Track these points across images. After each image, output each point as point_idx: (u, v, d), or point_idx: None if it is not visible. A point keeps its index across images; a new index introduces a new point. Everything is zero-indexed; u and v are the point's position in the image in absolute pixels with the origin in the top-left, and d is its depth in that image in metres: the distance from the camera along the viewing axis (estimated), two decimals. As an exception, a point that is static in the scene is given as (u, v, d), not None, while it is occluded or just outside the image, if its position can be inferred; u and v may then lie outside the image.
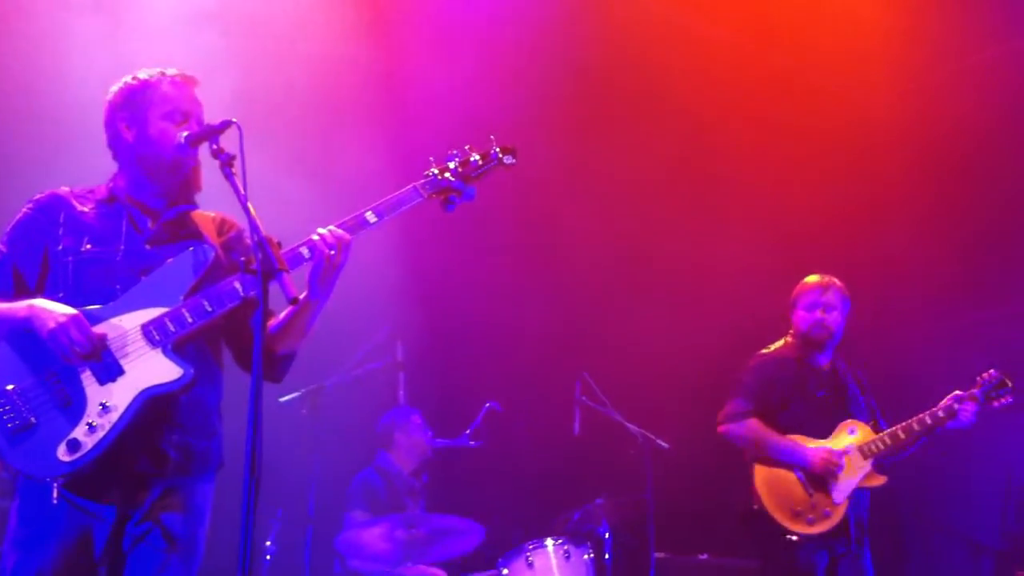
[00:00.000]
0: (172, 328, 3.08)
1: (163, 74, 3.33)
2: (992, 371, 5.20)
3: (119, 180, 3.36)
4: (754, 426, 5.32)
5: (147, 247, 3.25)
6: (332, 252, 3.13)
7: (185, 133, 3.22)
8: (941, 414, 5.16)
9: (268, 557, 5.75)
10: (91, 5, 5.75)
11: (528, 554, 5.56)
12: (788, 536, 5.10)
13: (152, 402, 3.05)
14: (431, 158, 3.41)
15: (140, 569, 3.08)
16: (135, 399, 3.03)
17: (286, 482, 5.83)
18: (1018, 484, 7.03)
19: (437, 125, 6.05)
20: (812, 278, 5.44)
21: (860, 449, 5.20)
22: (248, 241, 3.39)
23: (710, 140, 6.79)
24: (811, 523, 5.12)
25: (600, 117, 6.93)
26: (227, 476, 3.30)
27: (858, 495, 5.21)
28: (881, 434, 5.23)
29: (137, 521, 3.10)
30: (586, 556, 5.66)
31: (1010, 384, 5.14)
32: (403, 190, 3.33)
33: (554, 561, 5.56)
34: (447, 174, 3.38)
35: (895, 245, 7.18)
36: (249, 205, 2.87)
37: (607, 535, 6.10)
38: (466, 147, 3.46)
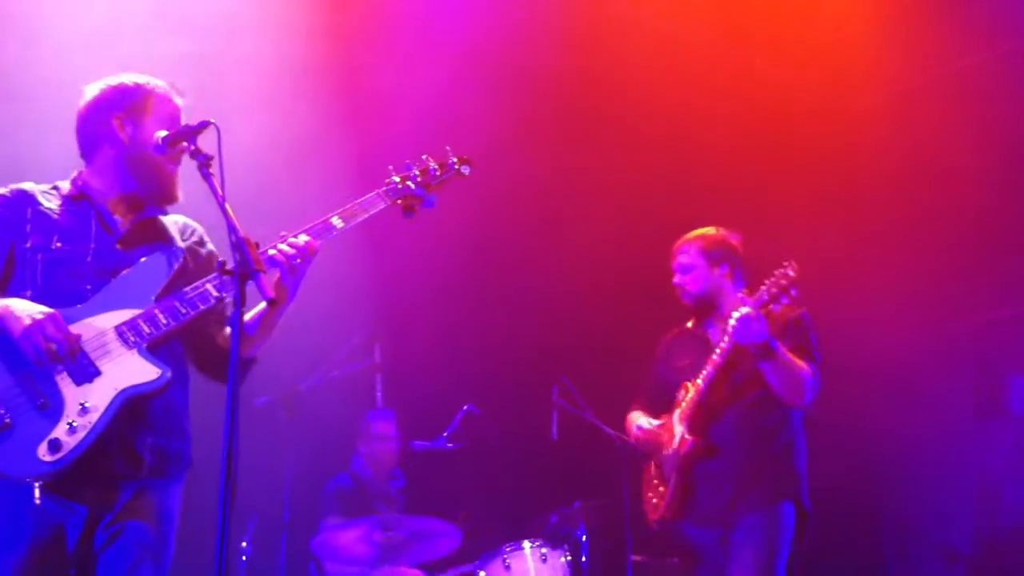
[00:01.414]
0: (146, 330, 3.09)
1: (157, 83, 3.36)
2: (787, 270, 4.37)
3: (89, 178, 3.34)
4: (628, 419, 4.96)
5: (117, 248, 3.25)
6: (298, 258, 3.17)
7: (163, 133, 3.21)
8: (723, 344, 4.47)
9: (244, 558, 5.73)
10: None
11: (505, 556, 5.57)
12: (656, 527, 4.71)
13: (129, 403, 3.04)
14: (390, 167, 3.52)
15: (112, 569, 3.08)
16: (115, 399, 3.02)
17: (262, 484, 5.82)
18: (993, 491, 7.09)
19: (408, 130, 6.07)
20: None
21: (679, 415, 4.65)
22: (209, 246, 3.45)
23: (689, 144, 6.82)
24: (654, 509, 4.70)
25: (577, 121, 6.95)
26: (202, 477, 3.30)
27: (705, 468, 4.56)
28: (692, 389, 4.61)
29: (109, 522, 3.10)
30: (563, 559, 5.67)
31: (792, 273, 4.33)
32: (366, 197, 3.44)
33: (531, 563, 5.57)
34: (408, 182, 3.51)
35: (875, 248, 7.21)
36: (227, 206, 2.88)
37: (584, 538, 6.10)
38: (423, 157, 3.60)
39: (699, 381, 4.55)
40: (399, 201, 3.49)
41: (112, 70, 3.42)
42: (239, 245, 2.81)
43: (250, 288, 2.81)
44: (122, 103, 3.30)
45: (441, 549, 5.82)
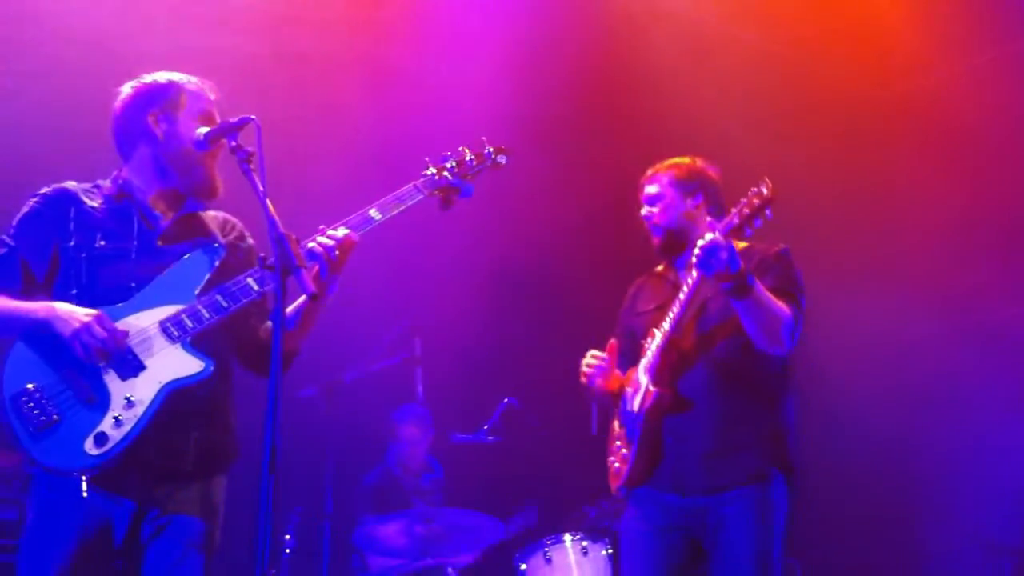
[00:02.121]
0: (189, 324, 3.13)
1: (189, 79, 3.39)
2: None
3: (129, 176, 3.37)
4: None
5: (159, 244, 3.29)
6: (336, 250, 3.19)
7: (204, 129, 3.24)
8: (689, 279, 3.89)
9: (287, 551, 5.79)
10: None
11: (546, 549, 5.58)
12: (614, 494, 4.15)
13: (174, 396, 3.09)
14: (426, 158, 3.53)
15: (158, 561, 3.12)
16: (159, 392, 3.07)
17: (304, 477, 5.87)
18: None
19: (443, 124, 6.08)
20: None
21: (645, 366, 4.01)
22: (250, 241, 3.48)
23: (718, 140, 6.75)
24: (615, 475, 4.07)
25: (612, 117, 6.91)
26: (245, 470, 3.33)
27: (677, 426, 3.89)
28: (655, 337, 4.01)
29: (155, 515, 3.14)
30: (604, 552, 5.66)
31: (767, 192, 3.69)
32: (403, 188, 3.44)
33: (572, 557, 5.57)
34: (444, 173, 3.52)
35: (913, 239, 7.14)
36: (268, 202, 2.90)
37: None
38: (460, 148, 3.60)
39: (666, 326, 3.93)
40: (436, 192, 3.50)
41: (145, 67, 3.45)
42: (280, 240, 2.84)
43: (292, 283, 2.84)
44: (156, 100, 3.33)
45: (481, 542, 5.84)
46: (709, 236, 3.68)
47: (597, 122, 6.97)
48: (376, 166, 6.16)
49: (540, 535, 5.73)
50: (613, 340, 4.13)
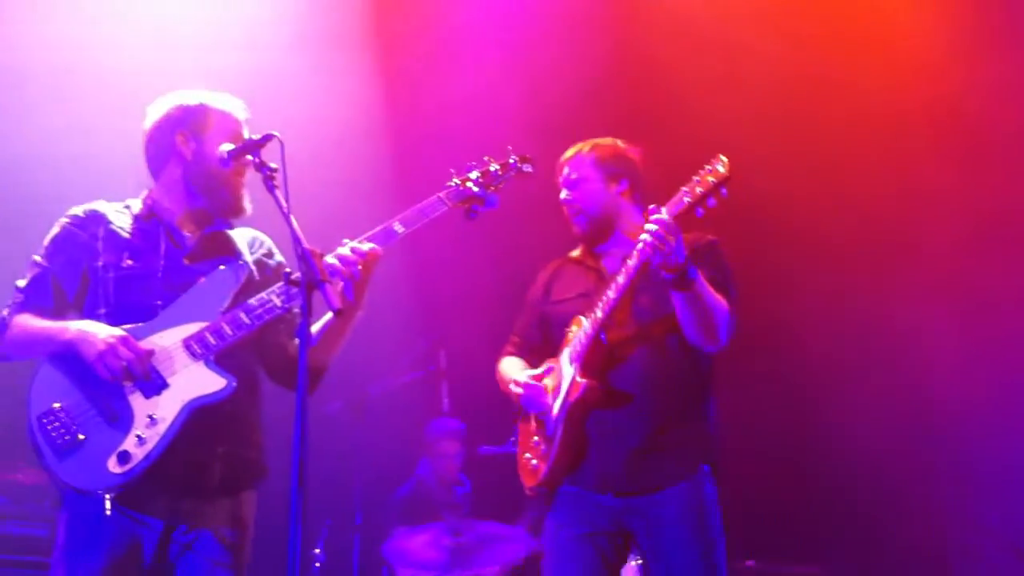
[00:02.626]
0: (212, 341, 3.15)
1: (220, 98, 3.41)
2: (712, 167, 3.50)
3: (159, 196, 3.41)
4: (500, 368, 4.10)
5: (185, 263, 3.31)
6: (363, 262, 3.19)
7: (228, 146, 3.26)
8: (628, 264, 3.58)
9: (317, 564, 5.80)
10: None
11: (574, 560, 5.55)
12: (528, 492, 3.85)
13: (198, 413, 3.11)
14: (452, 169, 3.52)
15: (188, 580, 3.13)
16: (182, 410, 3.09)
17: (333, 490, 5.88)
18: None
19: (458, 135, 6.10)
20: None
21: (569, 352, 3.75)
22: (278, 257, 3.49)
23: (735, 144, 6.72)
24: (532, 472, 3.78)
25: (628, 123, 6.87)
26: (274, 485, 3.34)
27: (602, 421, 3.67)
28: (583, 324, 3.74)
29: (184, 531, 3.16)
30: (634, 562, 5.63)
31: (723, 169, 3.47)
32: (427, 201, 3.44)
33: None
34: (469, 183, 3.51)
35: (933, 250, 7.08)
36: (292, 217, 2.92)
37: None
38: (485, 158, 3.59)
39: (598, 313, 3.64)
40: (461, 203, 3.49)
41: (170, 86, 3.49)
42: (304, 256, 2.85)
43: (319, 299, 2.85)
44: (184, 120, 3.36)
45: (510, 554, 5.83)
46: (659, 217, 3.42)
47: (619, 130, 6.97)
48: (398, 178, 6.20)
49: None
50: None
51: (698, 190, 3.46)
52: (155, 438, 3.05)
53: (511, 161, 3.62)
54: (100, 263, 3.27)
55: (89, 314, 3.21)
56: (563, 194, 3.98)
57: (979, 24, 6.53)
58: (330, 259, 3.19)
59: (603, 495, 3.67)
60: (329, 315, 3.26)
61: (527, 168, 3.63)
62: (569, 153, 4.03)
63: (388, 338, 6.19)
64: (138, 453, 3.03)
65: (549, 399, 3.75)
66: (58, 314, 3.21)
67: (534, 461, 3.78)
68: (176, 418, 3.08)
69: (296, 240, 2.88)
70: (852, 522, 7.06)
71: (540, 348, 4.02)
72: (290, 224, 2.91)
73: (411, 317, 6.48)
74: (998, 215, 6.75)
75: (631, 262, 3.55)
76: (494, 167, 3.58)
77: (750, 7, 6.65)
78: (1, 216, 5.49)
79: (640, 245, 3.47)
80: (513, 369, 3.99)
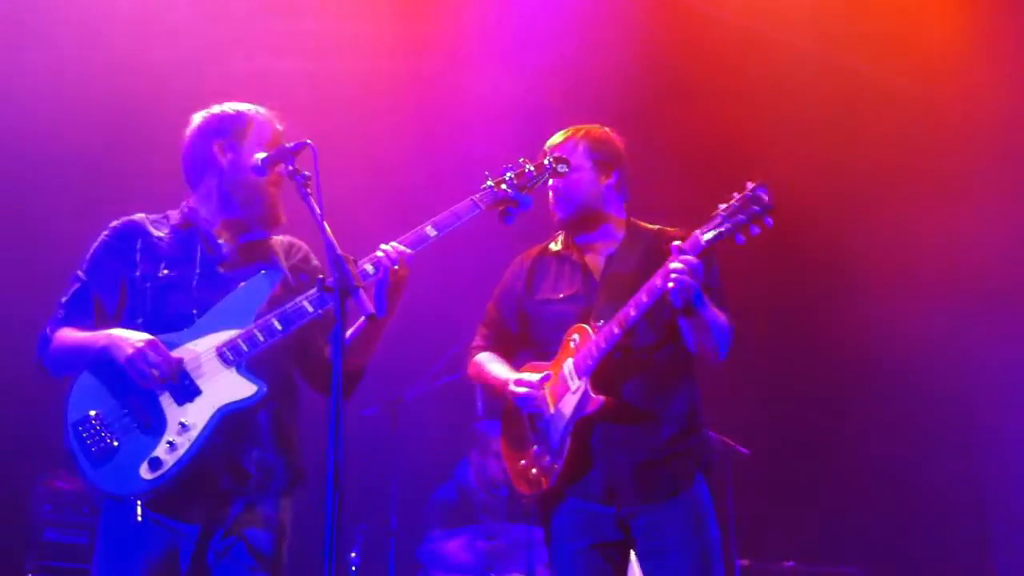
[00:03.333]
0: (245, 348, 3.17)
1: (257, 109, 3.44)
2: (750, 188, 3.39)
3: (196, 205, 3.44)
4: (478, 364, 3.99)
5: (221, 270, 3.34)
6: (396, 267, 3.20)
7: (262, 155, 3.29)
8: (658, 281, 3.45)
9: (353, 568, 5.82)
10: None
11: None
12: (523, 502, 3.74)
13: (230, 419, 3.13)
14: (487, 172, 3.49)
15: (224, 583, 3.15)
16: (213, 416, 3.12)
17: (369, 494, 5.90)
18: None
19: (493, 136, 6.10)
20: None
21: (576, 365, 3.64)
22: (314, 263, 3.50)
23: (761, 141, 6.69)
24: (531, 482, 3.70)
25: (660, 124, 6.88)
26: (311, 490, 3.36)
27: (607, 433, 3.61)
28: (597, 337, 3.61)
29: (220, 536, 3.18)
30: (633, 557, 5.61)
31: (766, 197, 3.34)
32: (461, 204, 3.42)
33: (636, 570, 5.53)
34: (503, 186, 3.47)
35: (967, 246, 7.02)
36: (325, 224, 2.94)
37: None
38: (520, 159, 3.55)
39: (615, 330, 3.55)
40: (495, 206, 3.47)
41: (205, 94, 3.52)
42: (338, 262, 2.86)
43: (352, 304, 2.86)
44: (221, 130, 3.39)
45: (543, 557, 5.82)
46: (687, 259, 3.37)
47: (645, 130, 6.96)
48: (431, 182, 6.22)
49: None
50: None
51: (740, 217, 3.36)
52: (186, 444, 3.08)
53: (546, 162, 3.58)
54: (138, 273, 3.31)
55: (128, 324, 3.25)
56: (550, 180, 3.77)
57: (1007, 21, 6.48)
58: (366, 265, 3.20)
59: (603, 506, 3.63)
60: (361, 320, 3.28)
61: (562, 168, 3.59)
62: (558, 138, 3.89)
63: (423, 343, 6.21)
64: (169, 459, 3.06)
65: (549, 406, 3.69)
66: (99, 327, 3.25)
67: (534, 470, 3.71)
68: (207, 424, 3.11)
69: (330, 246, 2.89)
70: (893, 521, 7.01)
71: (515, 340, 3.96)
72: (324, 230, 2.92)
73: (445, 321, 6.48)
74: None
75: (656, 285, 3.46)
76: (529, 168, 3.54)
77: (778, 7, 6.62)
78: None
79: (674, 275, 3.38)
80: (499, 367, 3.89)
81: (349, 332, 3.32)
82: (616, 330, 3.54)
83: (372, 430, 5.95)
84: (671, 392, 3.71)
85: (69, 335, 3.26)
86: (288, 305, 3.21)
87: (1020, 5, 6.54)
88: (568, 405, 3.64)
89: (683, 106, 6.77)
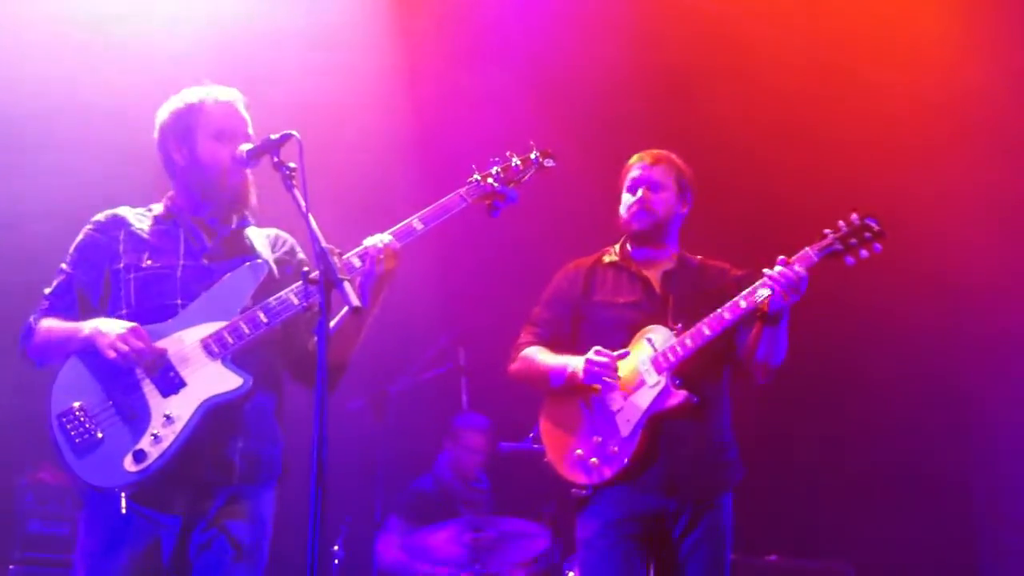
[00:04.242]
0: (230, 340, 3.17)
1: (207, 94, 3.40)
2: (852, 217, 3.80)
3: (175, 198, 3.44)
4: (527, 356, 4.14)
5: (205, 262, 3.33)
6: (381, 259, 3.19)
7: (248, 146, 3.28)
8: (756, 296, 3.77)
9: (336, 562, 5.82)
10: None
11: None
12: (574, 491, 3.87)
13: (215, 411, 3.12)
14: (473, 165, 3.50)
15: (206, 574, 3.14)
16: (197, 409, 3.11)
17: (353, 488, 5.90)
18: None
19: (477, 131, 6.09)
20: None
21: (653, 362, 3.87)
22: (300, 256, 3.50)
23: (753, 140, 6.68)
24: (590, 470, 3.83)
25: (656, 122, 6.87)
26: (295, 483, 3.35)
27: (672, 429, 3.82)
28: (680, 337, 3.85)
29: (203, 528, 3.17)
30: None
31: (877, 228, 3.75)
32: (447, 197, 3.43)
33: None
34: (490, 179, 3.49)
35: (957, 241, 7.03)
36: (310, 216, 2.93)
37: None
38: (507, 152, 3.57)
39: (706, 331, 3.79)
40: (481, 199, 3.48)
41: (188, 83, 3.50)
42: (322, 254, 2.86)
43: (337, 297, 2.86)
44: (175, 127, 3.39)
45: (530, 550, 5.83)
46: (799, 271, 3.69)
47: (640, 126, 6.95)
48: (417, 176, 6.21)
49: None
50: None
51: (852, 240, 3.73)
52: (171, 437, 3.07)
53: (532, 156, 3.59)
54: (121, 265, 3.31)
55: (112, 315, 3.24)
56: (639, 191, 4.09)
57: (999, 18, 6.48)
58: (352, 257, 3.19)
59: (659, 497, 3.82)
60: (343, 312, 3.26)
61: (549, 163, 3.61)
62: (652, 156, 4.16)
63: (408, 335, 6.20)
64: (153, 452, 3.06)
65: (619, 396, 3.85)
66: (83, 319, 3.24)
67: (594, 459, 3.84)
68: (192, 417, 3.10)
69: (314, 238, 2.89)
70: (881, 518, 7.02)
71: (565, 340, 4.11)
72: (308, 223, 2.92)
73: (430, 314, 6.48)
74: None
75: (756, 298, 3.75)
76: (515, 162, 3.56)
77: (769, 5, 6.62)
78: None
79: (775, 287, 3.69)
80: (553, 356, 4.04)
81: (332, 323, 3.31)
82: (707, 331, 3.80)
83: (357, 423, 5.94)
84: (722, 402, 4.00)
85: (53, 325, 3.25)
86: (274, 298, 3.21)
87: (1013, 2, 6.54)
88: (644, 398, 3.84)
89: (677, 101, 6.77)
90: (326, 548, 5.68)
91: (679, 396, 3.81)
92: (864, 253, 3.72)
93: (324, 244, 2.88)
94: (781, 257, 3.72)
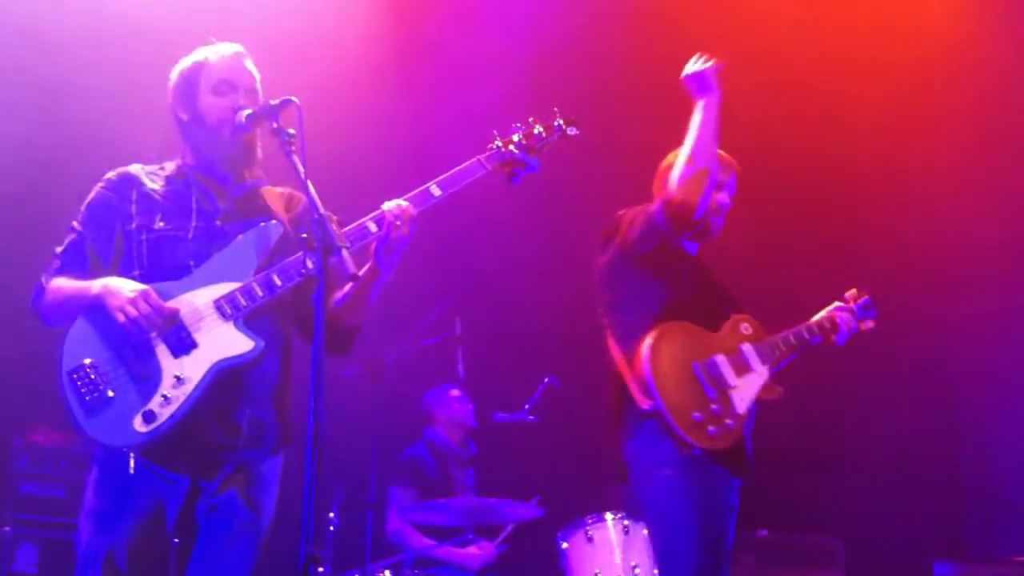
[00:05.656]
0: (243, 302, 3.14)
1: (211, 50, 3.38)
2: (865, 298, 4.58)
3: (186, 157, 3.41)
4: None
5: (218, 223, 3.30)
6: (398, 224, 3.15)
7: (247, 111, 3.25)
8: (826, 324, 4.34)
9: (331, 528, 5.84)
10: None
11: (587, 528, 5.57)
12: (686, 449, 3.90)
13: (225, 374, 3.10)
14: (494, 131, 3.42)
15: (212, 539, 3.14)
16: (208, 371, 3.09)
17: (349, 455, 5.91)
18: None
19: (480, 101, 6.06)
20: None
21: (758, 351, 4.15)
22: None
23: (756, 132, 6.66)
24: (712, 436, 3.93)
25: (657, 105, 6.84)
26: (290, 450, 3.35)
27: (753, 410, 4.12)
28: (775, 337, 4.19)
29: (211, 493, 3.16)
30: (645, 531, 5.65)
31: (875, 308, 4.59)
32: (467, 163, 3.36)
33: (614, 536, 5.57)
34: (511, 146, 3.41)
35: (951, 228, 7.04)
36: (309, 183, 2.91)
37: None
38: (529, 119, 3.48)
39: (805, 335, 4.29)
40: (501, 166, 3.41)
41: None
42: (320, 222, 2.84)
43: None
44: (180, 88, 3.37)
45: (519, 519, 5.86)
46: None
47: (639, 106, 6.94)
48: (417, 145, 6.18)
49: (582, 514, 5.73)
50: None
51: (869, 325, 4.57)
52: (181, 398, 3.05)
53: (556, 124, 3.51)
54: (133, 225, 3.28)
55: (124, 275, 3.20)
56: (728, 194, 4.28)
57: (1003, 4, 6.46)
58: (369, 222, 3.17)
59: (731, 477, 4.04)
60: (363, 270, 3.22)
61: (572, 131, 3.52)
62: (735, 162, 4.34)
63: (404, 304, 6.19)
64: (163, 413, 3.04)
65: (732, 373, 4.05)
66: (94, 278, 3.21)
67: (711, 428, 3.94)
68: (203, 379, 3.08)
69: (313, 205, 2.87)
70: (871, 494, 7.06)
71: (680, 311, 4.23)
72: (307, 190, 2.90)
73: (426, 283, 6.47)
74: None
75: (843, 316, 4.42)
76: (538, 129, 3.47)
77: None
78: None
79: (845, 327, 4.40)
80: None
81: (346, 288, 3.29)
82: (807, 335, 4.28)
83: (353, 391, 5.95)
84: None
85: (64, 283, 3.22)
86: (288, 260, 3.18)
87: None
88: (754, 383, 4.09)
89: (668, 87, 6.75)
90: (321, 515, 5.70)
91: (779, 392, 4.15)
92: (865, 327, 4.58)
93: (322, 211, 2.87)
94: (849, 294, 4.60)
